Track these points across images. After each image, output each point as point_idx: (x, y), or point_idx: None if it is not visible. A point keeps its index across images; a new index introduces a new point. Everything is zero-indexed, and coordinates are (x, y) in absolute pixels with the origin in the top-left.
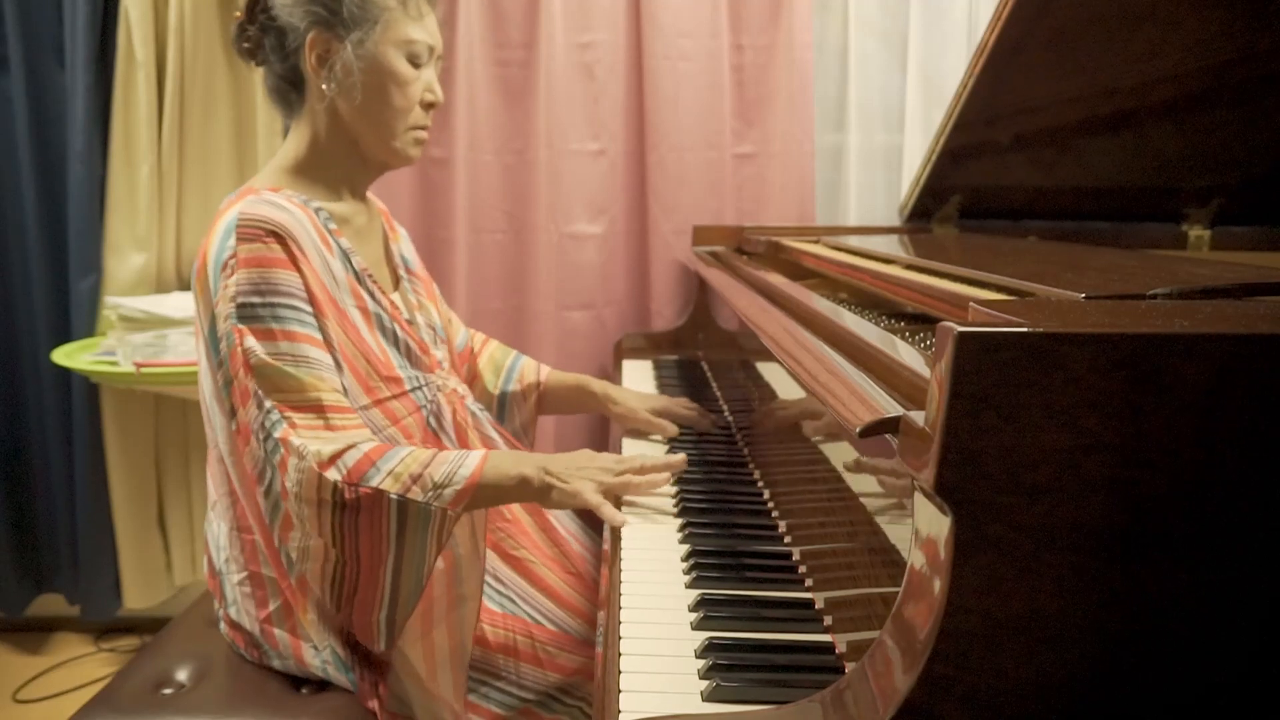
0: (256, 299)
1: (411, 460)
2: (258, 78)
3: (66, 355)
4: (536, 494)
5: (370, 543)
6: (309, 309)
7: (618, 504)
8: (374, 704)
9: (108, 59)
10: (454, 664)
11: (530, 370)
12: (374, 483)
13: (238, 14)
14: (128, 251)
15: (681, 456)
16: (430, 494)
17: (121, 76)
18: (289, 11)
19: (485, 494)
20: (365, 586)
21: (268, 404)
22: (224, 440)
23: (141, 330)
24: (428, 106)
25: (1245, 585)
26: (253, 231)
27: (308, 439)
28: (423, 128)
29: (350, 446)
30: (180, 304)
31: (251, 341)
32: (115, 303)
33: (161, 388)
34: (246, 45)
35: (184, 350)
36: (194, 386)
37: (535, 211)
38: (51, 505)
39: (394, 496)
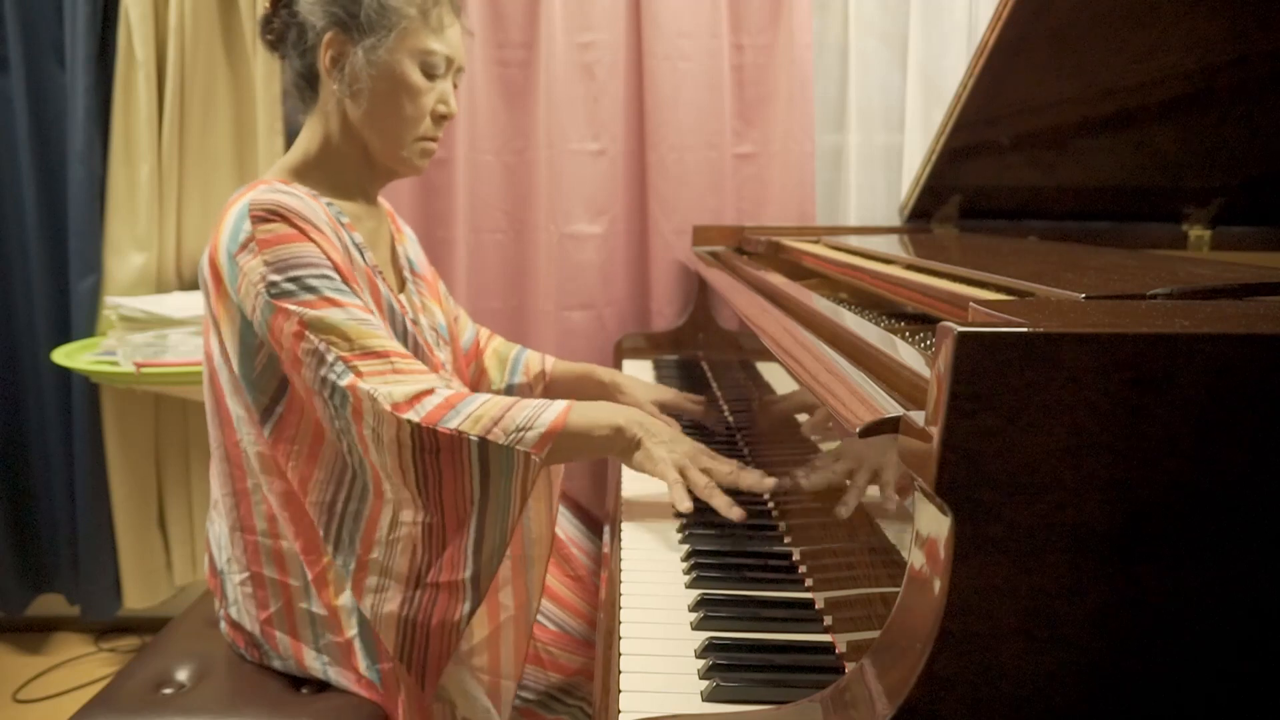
0: (290, 272)
1: (491, 405)
2: (258, 78)
3: (66, 355)
4: (625, 446)
5: (454, 490)
6: (339, 276)
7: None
8: (400, 698)
9: (108, 59)
10: (518, 625)
11: (535, 361)
12: (453, 425)
13: (266, 4)
14: (128, 251)
15: (773, 481)
16: (512, 436)
17: (121, 76)
18: (310, 9)
19: (569, 441)
20: (452, 541)
21: (330, 357)
22: (246, 430)
23: (141, 330)
24: (440, 119)
25: (1245, 585)
26: (265, 214)
27: (376, 384)
28: (432, 139)
29: (428, 391)
30: (180, 304)
31: (297, 309)
32: (115, 303)
33: (161, 388)
34: (270, 37)
35: (184, 350)
36: (194, 386)
37: (535, 211)
38: (51, 505)
39: (474, 438)
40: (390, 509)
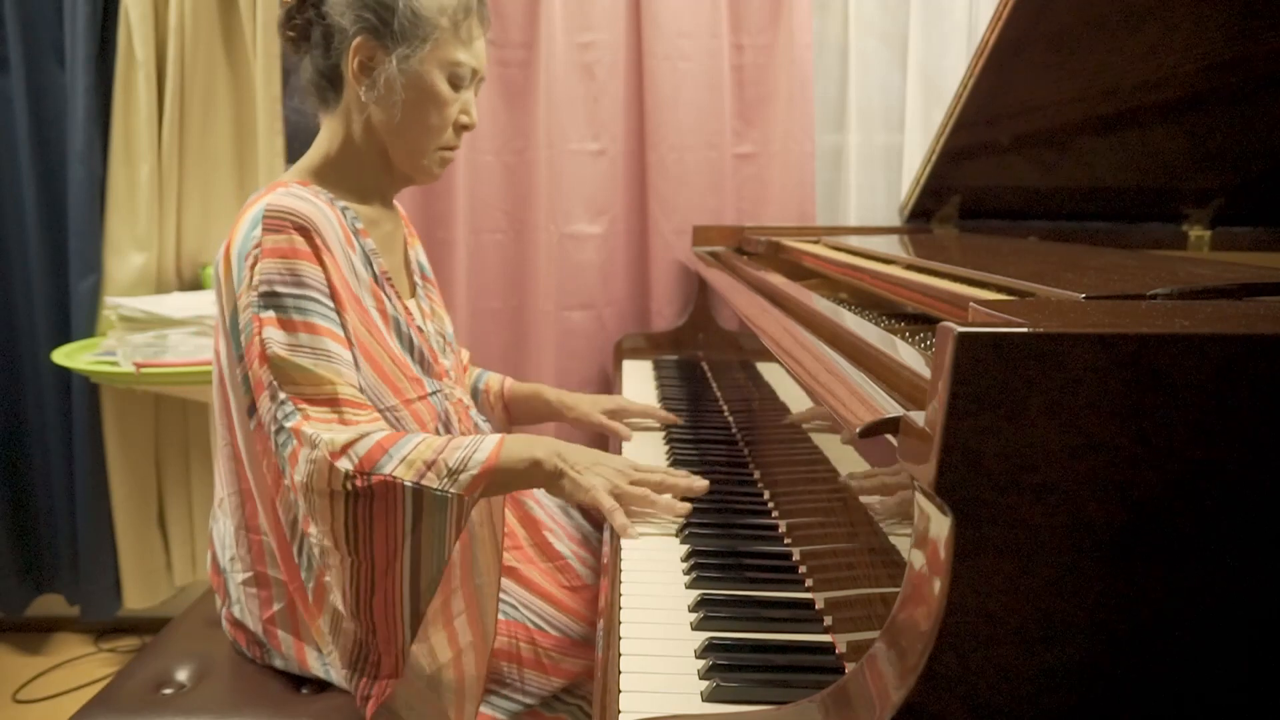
0: (280, 289)
1: (425, 447)
2: (258, 78)
3: (66, 355)
4: (546, 478)
5: (385, 534)
6: (330, 304)
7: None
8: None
9: (108, 59)
10: (478, 653)
11: (494, 382)
12: (387, 470)
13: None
14: (128, 251)
15: (704, 482)
16: (446, 480)
17: (121, 76)
18: (341, 12)
19: (500, 478)
20: (382, 583)
21: (282, 395)
22: (243, 438)
23: (141, 330)
24: (461, 128)
25: (1245, 585)
26: (278, 223)
27: (320, 429)
28: (452, 148)
29: (362, 436)
30: (180, 304)
31: (270, 331)
32: (115, 303)
33: (161, 388)
34: (292, 33)
35: (184, 350)
36: (194, 387)
37: (535, 211)
38: (51, 505)
39: (408, 484)
40: (318, 556)
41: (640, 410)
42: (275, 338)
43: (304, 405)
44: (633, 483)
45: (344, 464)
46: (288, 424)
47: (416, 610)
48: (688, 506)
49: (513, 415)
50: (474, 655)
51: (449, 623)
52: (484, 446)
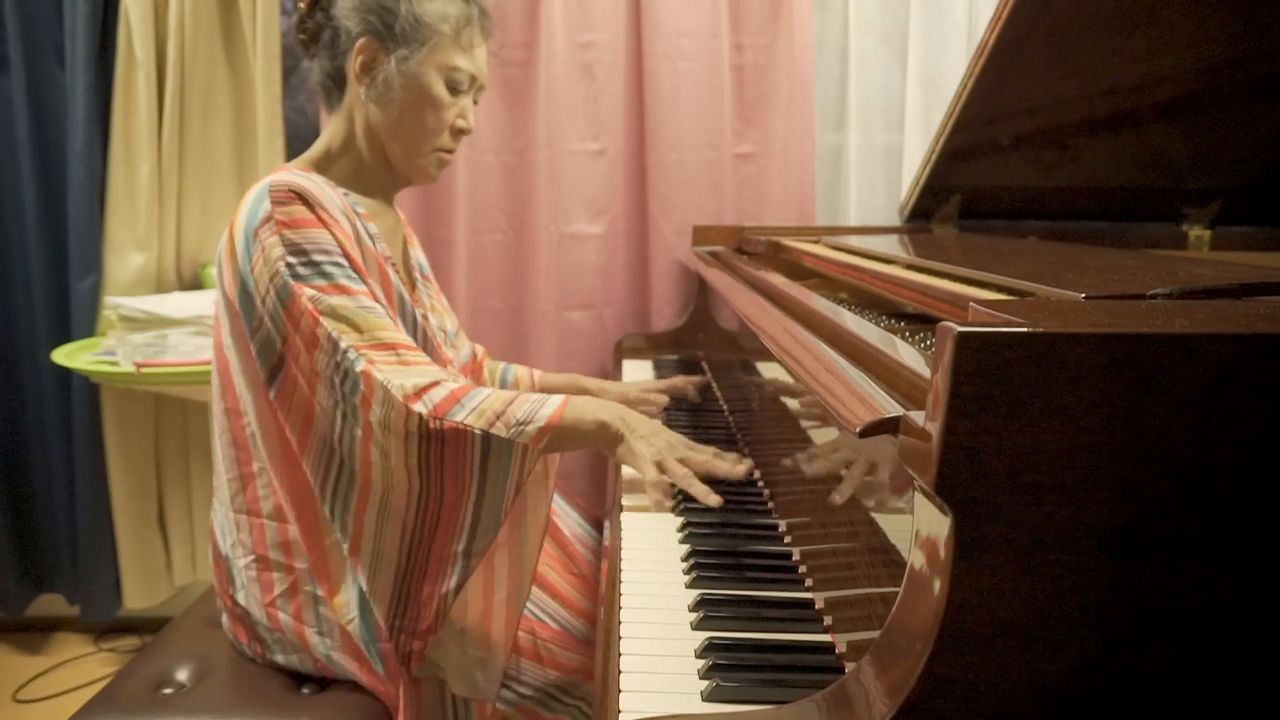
0: (305, 256)
1: (495, 399)
2: (258, 78)
3: (66, 355)
4: (610, 440)
5: (454, 475)
6: (348, 263)
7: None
8: (401, 681)
9: (108, 59)
10: (510, 606)
11: (524, 375)
12: (459, 418)
13: (301, 3)
14: (128, 251)
15: (745, 466)
16: (513, 430)
17: (121, 76)
18: (346, 14)
19: (563, 435)
20: (447, 518)
21: (343, 344)
22: (255, 412)
23: (141, 330)
24: (458, 132)
25: (1245, 585)
26: (284, 194)
27: (389, 374)
28: (449, 151)
29: (435, 383)
30: (180, 304)
31: (312, 292)
32: (115, 303)
33: (161, 388)
34: (304, 36)
35: (184, 350)
36: (194, 386)
37: (535, 211)
38: (51, 505)
39: (478, 431)
40: (377, 498)
41: (678, 384)
42: (322, 297)
43: (367, 351)
44: (680, 459)
45: (419, 407)
46: (356, 368)
47: (470, 550)
48: (720, 500)
49: None
50: (505, 611)
51: (489, 571)
52: (550, 403)
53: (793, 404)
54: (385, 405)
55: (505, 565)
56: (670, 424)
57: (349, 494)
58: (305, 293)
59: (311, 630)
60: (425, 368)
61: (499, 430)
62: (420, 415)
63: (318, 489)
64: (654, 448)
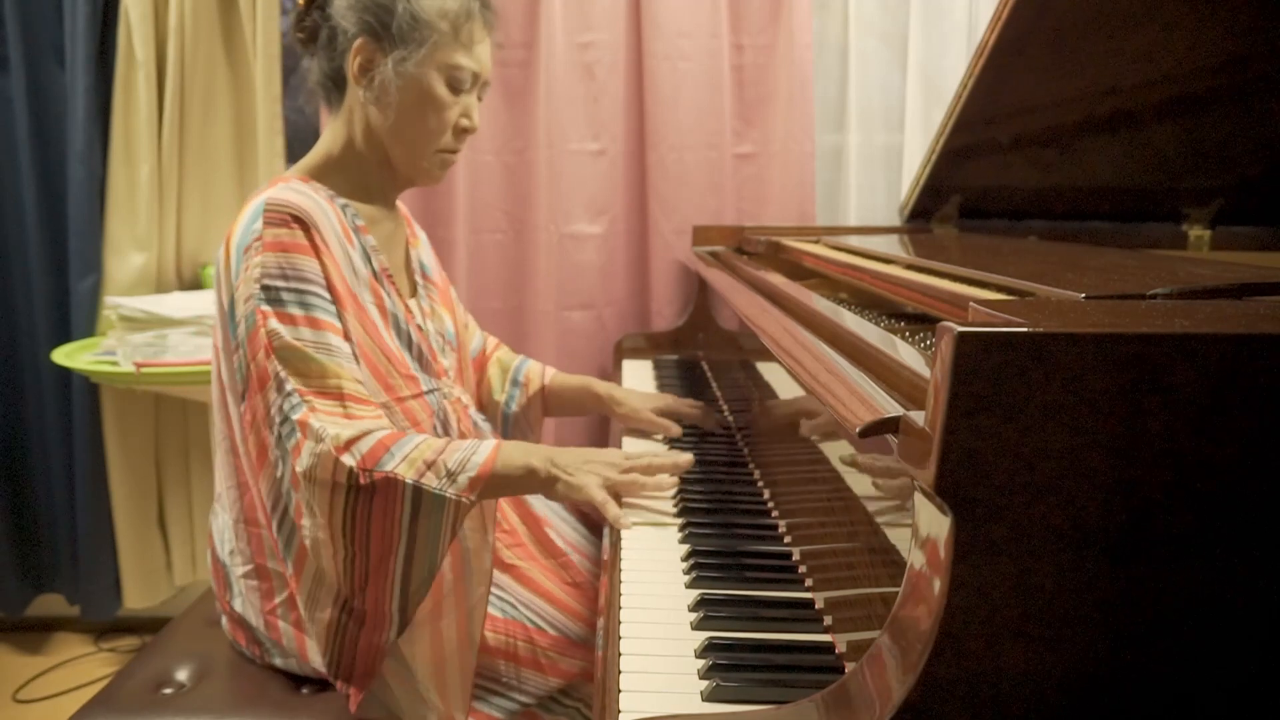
0: (281, 283)
1: (425, 447)
2: (258, 78)
3: (66, 355)
4: (542, 485)
5: (382, 530)
6: (329, 298)
7: (619, 503)
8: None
9: (108, 59)
10: (462, 658)
11: (536, 373)
12: (388, 468)
13: (299, 1)
14: (128, 251)
15: (688, 456)
16: (444, 480)
17: (121, 76)
18: (343, 14)
19: (496, 483)
20: (376, 575)
21: (289, 386)
22: (236, 428)
23: (141, 330)
24: (462, 132)
25: (1245, 585)
26: (279, 216)
27: (326, 422)
28: (452, 151)
29: (365, 433)
30: (180, 304)
31: (275, 324)
32: (115, 303)
33: (161, 388)
34: (301, 35)
35: (184, 350)
36: (194, 386)
37: (535, 211)
38: (51, 505)
39: (409, 482)
40: (309, 547)
41: (686, 410)
42: (281, 330)
43: (311, 397)
44: (623, 472)
45: (348, 459)
46: (294, 415)
47: (404, 610)
48: (674, 481)
49: (551, 407)
50: (458, 660)
51: (435, 625)
52: (481, 450)
53: (792, 405)
54: (314, 456)
55: (453, 609)
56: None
57: (290, 544)
58: (268, 324)
59: (310, 640)
60: (364, 420)
61: (429, 481)
62: (350, 468)
63: (273, 525)
64: (591, 474)
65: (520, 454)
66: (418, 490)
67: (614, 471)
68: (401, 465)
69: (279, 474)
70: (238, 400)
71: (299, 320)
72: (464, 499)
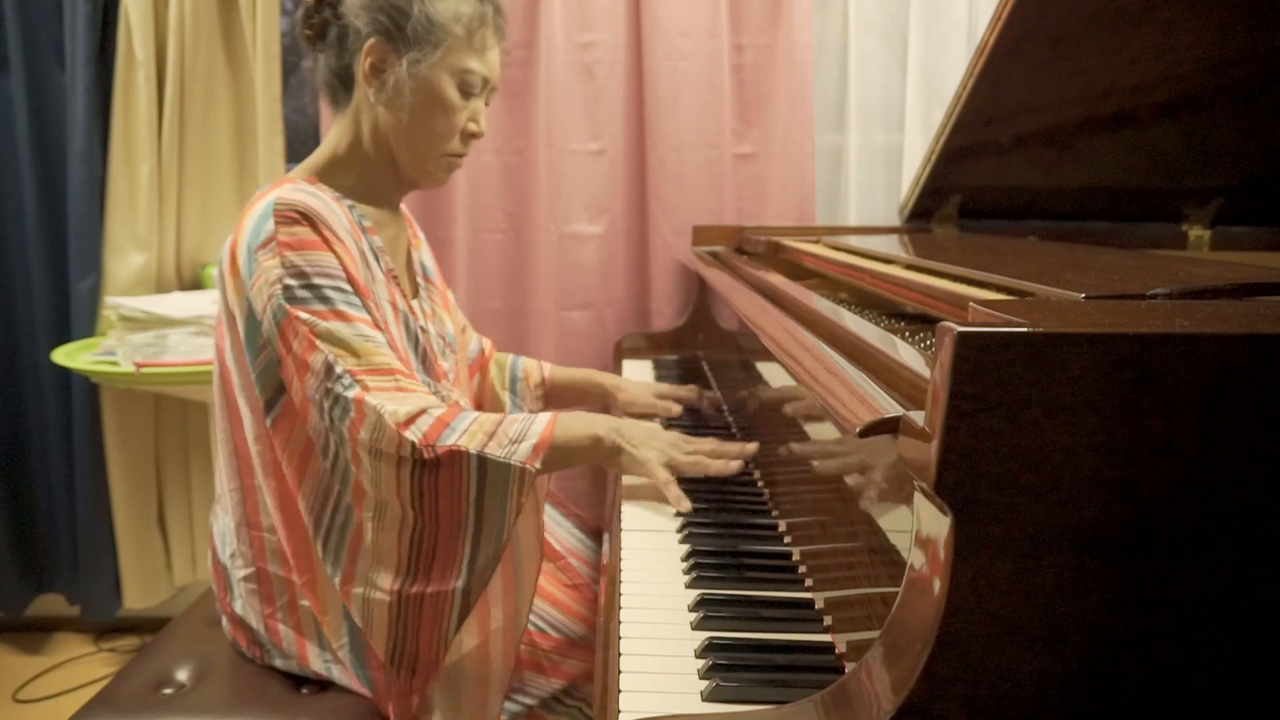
0: (305, 280)
1: (485, 420)
2: (258, 78)
3: (66, 355)
4: (607, 454)
5: (450, 503)
6: (352, 289)
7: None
8: (389, 706)
9: (108, 59)
10: (506, 638)
11: (533, 368)
12: (450, 442)
13: None
14: (128, 251)
15: (754, 446)
16: (507, 448)
17: (121, 76)
18: (356, 13)
19: (557, 453)
20: (444, 552)
21: (339, 369)
22: (254, 434)
23: (141, 330)
24: (469, 136)
25: (1245, 585)
26: (289, 214)
27: (383, 399)
28: (459, 155)
29: (423, 410)
30: (180, 304)
31: (309, 317)
32: (115, 303)
33: (161, 388)
34: (309, 32)
35: (184, 350)
36: (194, 386)
37: (535, 211)
38: (51, 505)
39: (473, 452)
40: (371, 525)
41: (684, 394)
42: (317, 324)
43: (363, 376)
44: (686, 454)
45: (411, 434)
46: (348, 394)
47: (469, 587)
48: (739, 465)
49: (553, 401)
50: (502, 641)
51: (484, 605)
52: (538, 421)
53: (791, 405)
54: (377, 430)
55: (500, 592)
56: (670, 424)
57: (344, 533)
58: (301, 315)
59: (311, 644)
60: (418, 395)
61: (492, 450)
62: (413, 443)
63: (312, 527)
64: (656, 450)
65: (581, 423)
66: (482, 460)
67: (678, 452)
68: (463, 438)
69: (327, 464)
70: (264, 408)
71: (328, 315)
72: (528, 466)
